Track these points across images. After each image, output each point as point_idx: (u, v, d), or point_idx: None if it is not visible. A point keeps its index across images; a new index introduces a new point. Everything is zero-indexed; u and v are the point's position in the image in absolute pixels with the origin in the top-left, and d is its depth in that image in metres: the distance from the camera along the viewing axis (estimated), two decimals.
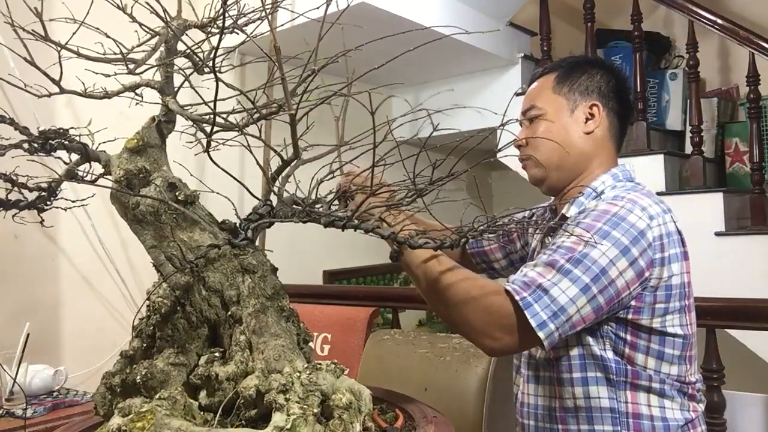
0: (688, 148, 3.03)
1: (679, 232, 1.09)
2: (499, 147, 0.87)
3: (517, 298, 0.96)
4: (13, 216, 0.92)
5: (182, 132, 1.01)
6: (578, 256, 0.99)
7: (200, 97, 0.86)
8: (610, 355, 1.06)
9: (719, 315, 1.69)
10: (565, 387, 1.11)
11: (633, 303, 1.04)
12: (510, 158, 2.61)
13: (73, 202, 0.99)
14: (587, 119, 1.18)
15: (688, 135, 3.00)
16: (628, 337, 1.06)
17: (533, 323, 0.95)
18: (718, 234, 2.63)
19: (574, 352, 1.09)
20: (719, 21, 2.85)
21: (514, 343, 0.98)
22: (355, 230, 0.88)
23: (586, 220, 1.04)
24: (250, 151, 0.88)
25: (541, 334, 0.95)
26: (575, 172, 1.19)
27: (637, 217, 1.03)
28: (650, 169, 2.80)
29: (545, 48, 3.25)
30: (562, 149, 1.16)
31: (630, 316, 1.04)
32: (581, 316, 0.98)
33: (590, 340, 1.07)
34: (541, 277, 0.98)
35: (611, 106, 1.20)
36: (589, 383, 1.08)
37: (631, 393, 1.07)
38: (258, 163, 0.89)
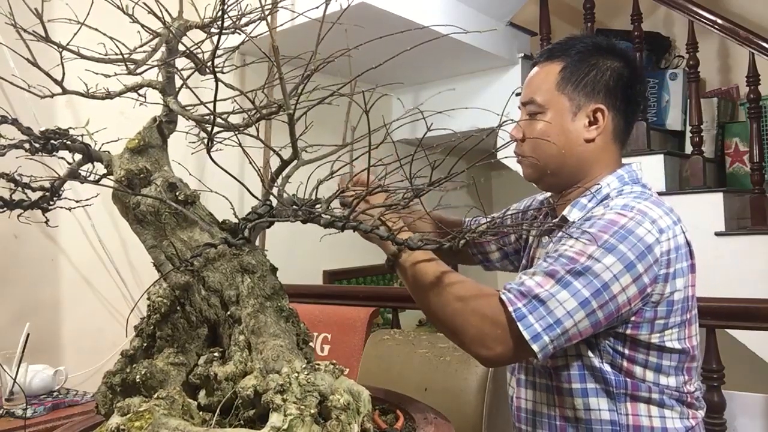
0: (688, 148, 3.03)
1: (688, 244, 1.04)
2: (497, 147, 0.87)
3: (510, 308, 0.94)
4: (18, 216, 0.92)
5: (187, 132, 1.01)
6: (580, 268, 0.95)
7: (198, 98, 0.86)
8: (608, 367, 1.04)
9: (719, 315, 1.68)
10: (564, 397, 1.08)
11: (633, 318, 1.00)
12: (509, 158, 2.61)
13: (77, 202, 1.00)
14: (590, 122, 1.10)
15: (688, 135, 3.00)
16: (626, 351, 1.03)
17: (527, 335, 0.92)
18: (718, 234, 2.63)
19: (573, 362, 1.06)
20: (719, 21, 2.86)
21: (508, 354, 0.95)
22: (354, 231, 0.88)
23: (591, 230, 0.98)
24: (246, 154, 0.88)
25: (535, 347, 0.93)
26: (574, 179, 1.13)
27: (645, 231, 0.97)
28: (650, 169, 2.81)
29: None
30: (560, 155, 1.10)
31: (629, 331, 1.01)
32: (578, 330, 0.95)
33: (588, 352, 1.04)
34: (539, 287, 0.95)
35: (618, 106, 1.11)
36: (588, 395, 1.05)
37: (631, 404, 1.04)
38: (252, 164, 0.89)
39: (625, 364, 1.03)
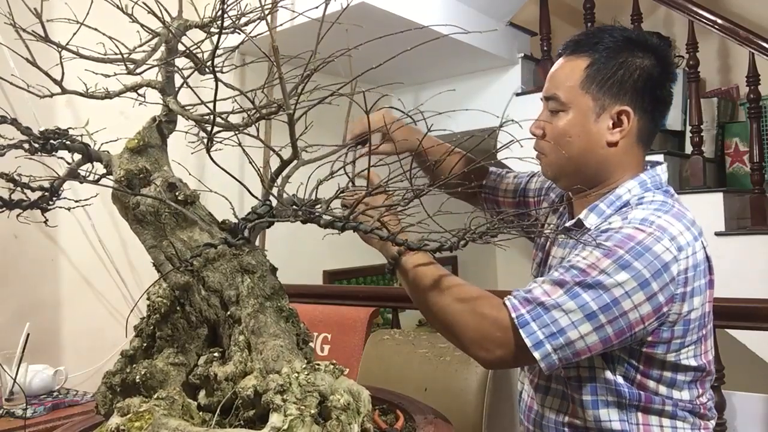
0: (688, 148, 3.03)
1: (708, 259, 1.01)
2: (498, 148, 0.87)
3: (513, 315, 0.92)
4: (18, 216, 0.92)
5: (187, 132, 1.01)
6: (590, 281, 0.92)
7: (198, 98, 0.86)
8: (621, 380, 1.02)
9: (719, 315, 1.66)
10: (575, 406, 1.06)
11: (649, 339, 0.97)
12: (510, 159, 2.61)
13: (76, 202, 0.99)
14: (614, 125, 1.04)
15: (688, 135, 3.00)
16: (641, 366, 1.01)
17: (529, 342, 0.91)
18: (718, 234, 2.63)
19: (585, 374, 1.04)
20: (719, 21, 2.86)
21: (508, 358, 0.94)
22: (353, 231, 0.88)
23: (607, 243, 0.94)
24: (246, 154, 0.88)
25: (536, 354, 0.91)
26: (593, 181, 1.08)
27: (664, 248, 0.93)
28: None
29: (545, 48, 3.25)
30: (580, 157, 1.06)
31: (644, 349, 0.99)
32: (586, 345, 0.92)
33: (601, 364, 1.03)
34: (546, 295, 0.93)
35: (644, 107, 1.05)
36: (600, 406, 1.03)
37: (642, 416, 1.03)
38: (252, 163, 0.89)
39: (638, 377, 1.01)
